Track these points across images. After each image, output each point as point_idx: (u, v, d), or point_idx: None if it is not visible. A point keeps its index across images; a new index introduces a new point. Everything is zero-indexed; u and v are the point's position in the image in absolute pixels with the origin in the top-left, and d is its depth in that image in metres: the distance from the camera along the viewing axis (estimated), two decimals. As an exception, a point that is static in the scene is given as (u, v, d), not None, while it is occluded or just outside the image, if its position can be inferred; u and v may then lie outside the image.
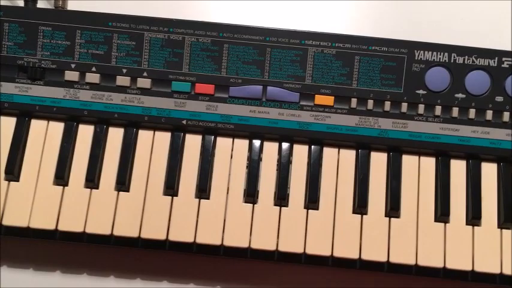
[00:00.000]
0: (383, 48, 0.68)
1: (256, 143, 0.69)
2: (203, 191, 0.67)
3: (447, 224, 0.67)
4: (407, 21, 0.78)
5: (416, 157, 0.69)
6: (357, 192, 0.67)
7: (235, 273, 0.70)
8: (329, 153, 0.69)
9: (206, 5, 0.78)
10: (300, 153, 0.69)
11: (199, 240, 0.66)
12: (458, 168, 0.68)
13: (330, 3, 0.78)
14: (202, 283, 0.70)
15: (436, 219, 0.67)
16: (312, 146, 0.69)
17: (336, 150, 0.69)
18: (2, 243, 0.70)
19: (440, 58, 0.68)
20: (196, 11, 0.78)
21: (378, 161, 0.69)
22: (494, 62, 0.68)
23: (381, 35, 0.68)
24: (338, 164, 0.69)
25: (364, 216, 0.67)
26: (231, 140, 0.69)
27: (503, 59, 0.67)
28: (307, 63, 0.68)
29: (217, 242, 0.66)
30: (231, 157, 0.69)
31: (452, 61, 0.68)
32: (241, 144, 0.69)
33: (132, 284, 0.70)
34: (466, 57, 0.68)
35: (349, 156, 0.69)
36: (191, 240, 0.66)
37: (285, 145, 0.69)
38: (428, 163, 0.68)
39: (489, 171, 0.68)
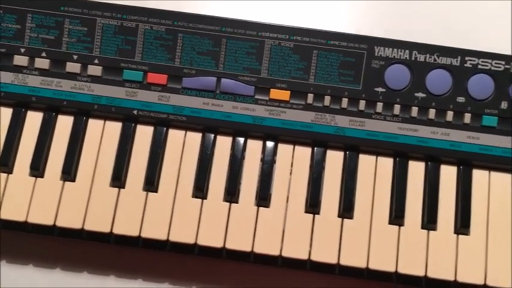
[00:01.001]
0: (342, 43, 0.65)
1: (209, 136, 0.66)
2: (151, 183, 0.64)
3: (401, 227, 0.64)
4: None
5: (374, 157, 0.66)
6: (309, 191, 0.65)
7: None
8: (284, 150, 0.66)
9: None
10: (254, 148, 0.66)
11: (144, 235, 0.63)
12: (416, 170, 0.65)
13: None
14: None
15: (390, 222, 0.64)
16: (267, 142, 0.66)
17: (291, 146, 0.66)
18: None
19: (401, 55, 0.65)
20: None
21: (334, 159, 0.66)
22: (456, 61, 0.65)
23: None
24: (292, 161, 0.66)
25: (316, 215, 0.64)
26: (183, 132, 0.67)
27: (466, 58, 0.64)
28: (264, 56, 0.65)
29: (163, 237, 0.63)
30: (182, 150, 0.66)
31: (413, 59, 0.65)
32: (194, 138, 0.66)
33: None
34: (428, 55, 0.65)
35: (304, 154, 0.66)
36: (136, 234, 0.63)
37: (239, 140, 0.66)
38: (386, 164, 0.65)
39: (448, 175, 0.65)
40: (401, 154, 0.65)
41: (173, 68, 0.66)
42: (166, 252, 0.65)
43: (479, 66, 0.64)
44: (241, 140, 0.66)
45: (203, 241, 0.63)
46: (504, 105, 0.64)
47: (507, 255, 0.63)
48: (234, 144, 0.66)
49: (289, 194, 0.65)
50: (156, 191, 0.65)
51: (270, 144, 0.66)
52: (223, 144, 0.66)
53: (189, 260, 0.67)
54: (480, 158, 0.64)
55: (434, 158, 0.65)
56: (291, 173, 0.65)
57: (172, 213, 0.64)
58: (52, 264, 0.68)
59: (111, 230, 0.63)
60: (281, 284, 0.67)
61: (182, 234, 0.63)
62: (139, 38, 0.66)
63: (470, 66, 0.64)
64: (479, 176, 0.65)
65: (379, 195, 0.65)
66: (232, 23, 0.65)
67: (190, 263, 0.67)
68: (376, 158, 0.66)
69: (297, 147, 0.66)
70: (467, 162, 0.65)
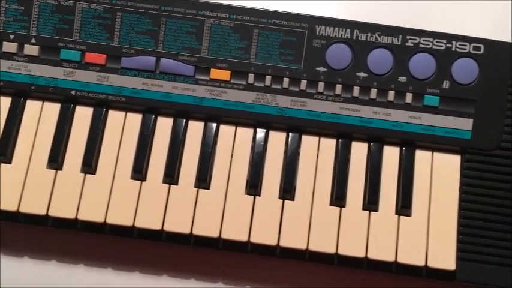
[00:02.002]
0: (283, 22, 0.64)
1: (150, 117, 0.64)
2: (88, 165, 0.63)
3: (343, 209, 0.62)
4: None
5: (317, 138, 0.64)
6: (250, 173, 0.63)
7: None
8: (225, 131, 0.64)
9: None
10: (195, 130, 0.64)
11: (80, 217, 0.62)
12: (359, 151, 0.64)
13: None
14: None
15: (332, 203, 0.63)
16: (208, 123, 0.65)
17: (233, 128, 0.65)
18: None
19: (342, 34, 0.63)
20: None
21: (276, 140, 0.64)
22: (398, 40, 0.63)
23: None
24: (234, 142, 0.64)
25: (256, 197, 0.63)
26: (123, 113, 0.65)
27: (408, 37, 0.63)
28: (204, 35, 0.64)
29: (101, 220, 0.62)
30: (122, 131, 0.65)
31: (354, 38, 0.63)
32: (134, 118, 0.64)
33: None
34: (369, 34, 0.63)
35: (246, 135, 0.64)
36: (73, 216, 0.62)
37: (180, 121, 0.65)
38: (328, 144, 0.64)
39: (391, 155, 0.64)
40: (344, 135, 0.64)
41: (112, 48, 0.64)
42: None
43: (421, 45, 0.63)
44: (183, 121, 0.65)
45: (140, 223, 0.62)
46: (446, 84, 0.63)
47: (451, 236, 0.62)
48: (174, 125, 0.64)
49: (230, 175, 0.63)
50: (94, 173, 0.63)
51: (211, 125, 0.64)
52: (164, 125, 0.64)
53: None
54: (422, 138, 0.63)
55: (377, 138, 0.64)
56: (232, 155, 0.64)
57: (110, 196, 0.62)
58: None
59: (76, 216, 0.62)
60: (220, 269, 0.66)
61: (119, 217, 0.62)
62: (77, 17, 0.64)
63: (412, 45, 0.63)
64: (422, 156, 0.64)
65: (321, 176, 0.63)
66: (171, 2, 0.63)
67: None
68: (319, 138, 0.64)
69: (239, 129, 0.64)
70: (409, 143, 0.64)
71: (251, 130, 0.64)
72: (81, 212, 0.62)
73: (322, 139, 0.64)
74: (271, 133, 0.64)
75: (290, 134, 0.64)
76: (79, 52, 0.64)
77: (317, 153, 0.64)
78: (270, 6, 0.65)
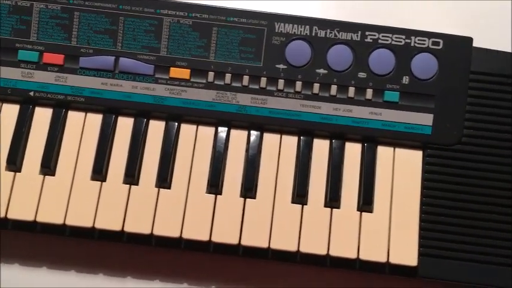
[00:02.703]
0: (242, 20, 0.63)
1: (110, 117, 0.64)
2: (47, 167, 0.62)
3: (304, 206, 0.62)
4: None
5: (278, 135, 0.64)
6: (211, 171, 0.62)
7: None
8: (186, 130, 0.63)
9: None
10: (155, 129, 0.63)
11: (40, 219, 0.61)
12: (320, 148, 0.63)
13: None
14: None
15: (293, 201, 0.62)
16: (169, 122, 0.64)
17: (194, 127, 0.64)
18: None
19: (301, 31, 0.63)
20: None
21: (237, 139, 0.63)
22: (357, 36, 0.63)
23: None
24: (195, 141, 0.64)
25: (218, 196, 0.62)
26: (83, 114, 0.64)
27: (367, 33, 0.62)
28: (163, 34, 0.63)
29: (60, 221, 0.61)
30: (82, 132, 0.64)
31: (313, 34, 0.63)
32: (94, 119, 0.64)
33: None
34: (328, 30, 0.63)
35: (206, 134, 0.63)
36: (31, 219, 0.61)
37: (141, 120, 0.64)
38: (290, 142, 0.64)
39: (353, 152, 0.63)
40: (305, 132, 0.63)
41: (70, 48, 0.63)
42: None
43: (380, 41, 0.63)
44: (143, 120, 0.64)
45: (100, 224, 0.61)
46: (406, 80, 0.63)
47: (413, 232, 0.61)
48: (135, 125, 0.64)
49: (191, 175, 0.63)
50: (53, 175, 0.62)
51: (172, 124, 0.64)
52: (124, 125, 0.64)
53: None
54: (383, 134, 0.62)
55: (338, 135, 0.63)
56: (193, 154, 0.63)
57: (70, 197, 0.61)
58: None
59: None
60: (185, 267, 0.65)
61: (79, 219, 0.61)
62: (35, 18, 0.63)
63: (371, 41, 0.63)
64: (383, 152, 0.63)
65: (282, 174, 0.63)
66: (129, 1, 0.63)
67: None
68: (281, 136, 0.64)
69: (200, 127, 0.64)
70: (371, 139, 0.63)
71: (212, 129, 0.64)
72: (40, 214, 0.61)
73: (283, 136, 0.64)
74: (233, 131, 0.64)
75: (251, 132, 0.64)
76: (37, 53, 0.63)
77: (279, 151, 0.64)
78: (232, 4, 0.64)
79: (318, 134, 0.64)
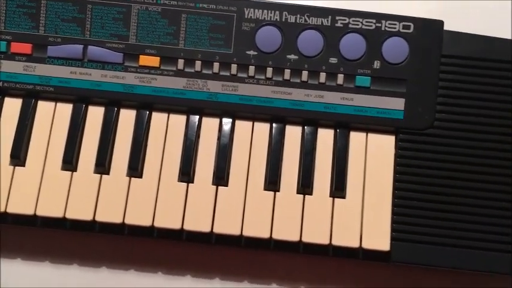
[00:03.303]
0: (211, 6, 0.62)
1: (80, 106, 0.63)
2: (17, 158, 0.61)
3: (277, 193, 0.61)
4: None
5: (250, 122, 0.63)
6: (182, 159, 0.62)
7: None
8: (157, 119, 0.63)
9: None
10: (126, 118, 0.63)
11: (10, 210, 0.60)
12: (292, 135, 0.63)
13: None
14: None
15: (266, 188, 0.62)
16: (140, 111, 0.63)
17: (166, 115, 0.63)
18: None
19: (271, 17, 0.62)
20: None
21: (209, 126, 0.63)
22: (327, 21, 0.62)
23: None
24: (166, 130, 0.63)
25: (190, 185, 0.61)
26: (53, 103, 0.63)
27: (337, 17, 0.62)
28: (131, 22, 0.62)
29: (31, 212, 0.60)
30: (52, 122, 0.63)
31: (283, 20, 0.62)
32: (64, 109, 0.63)
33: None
34: (298, 15, 0.62)
35: (178, 122, 0.63)
36: (2, 210, 0.60)
37: (111, 109, 0.63)
38: (262, 129, 0.63)
39: (325, 138, 0.63)
40: (277, 119, 0.63)
41: (38, 37, 0.62)
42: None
43: (350, 26, 0.62)
44: (114, 109, 0.63)
45: (71, 214, 0.61)
46: (377, 64, 0.62)
47: (385, 217, 0.61)
48: (105, 114, 0.63)
49: (163, 163, 0.62)
50: (23, 165, 0.62)
51: (143, 113, 0.63)
52: (94, 114, 0.63)
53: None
54: (355, 120, 0.62)
55: (310, 121, 0.63)
56: (165, 142, 0.63)
57: (40, 188, 0.61)
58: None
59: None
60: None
61: (50, 209, 0.60)
62: (1, 7, 0.62)
63: (341, 25, 0.62)
64: (356, 138, 0.63)
65: (255, 161, 0.62)
66: (96, -12, 0.62)
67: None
68: (253, 123, 0.63)
69: (171, 115, 0.63)
70: (343, 125, 0.62)
71: (183, 117, 0.63)
72: (11, 205, 0.60)
73: (255, 123, 0.63)
74: (204, 119, 0.63)
75: (223, 119, 0.63)
76: (4, 42, 0.62)
77: (251, 138, 0.63)
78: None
79: (290, 121, 0.63)
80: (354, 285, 0.65)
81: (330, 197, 0.62)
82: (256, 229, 0.61)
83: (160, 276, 0.64)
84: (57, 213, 0.60)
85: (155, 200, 0.61)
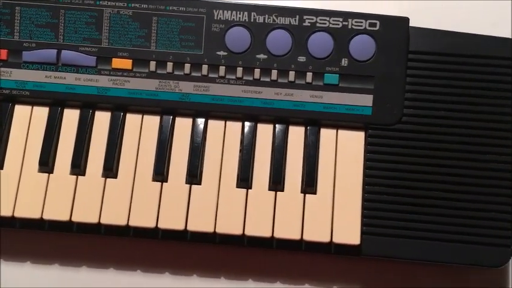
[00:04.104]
0: (181, 8, 0.63)
1: (56, 110, 0.64)
2: (-6, 161, 0.63)
3: (249, 190, 0.62)
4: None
5: (222, 122, 0.64)
6: (156, 159, 0.63)
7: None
8: (132, 120, 0.64)
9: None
10: (101, 120, 0.64)
11: None
12: (264, 133, 0.64)
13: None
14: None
15: (238, 186, 0.63)
16: (114, 113, 0.64)
17: (140, 116, 0.64)
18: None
19: (240, 17, 0.63)
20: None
21: (182, 126, 0.64)
22: (295, 20, 0.63)
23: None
24: (141, 131, 0.64)
25: (164, 184, 0.63)
26: (29, 107, 0.65)
27: (305, 17, 0.63)
28: (103, 25, 0.63)
29: (9, 214, 0.62)
30: (29, 126, 0.64)
31: (252, 20, 0.63)
32: (40, 112, 0.64)
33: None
34: (267, 16, 0.63)
35: (152, 123, 0.64)
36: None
37: (86, 111, 0.64)
38: (234, 128, 0.64)
39: (296, 135, 0.64)
40: (248, 117, 0.64)
41: (13, 43, 0.63)
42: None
43: (318, 25, 0.63)
44: (89, 111, 0.64)
45: (48, 215, 0.62)
46: (344, 62, 0.63)
47: (356, 211, 0.62)
48: (81, 116, 0.64)
49: (137, 163, 0.63)
50: (1, 168, 0.63)
51: (117, 114, 0.64)
52: (70, 117, 0.64)
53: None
54: (325, 117, 0.63)
55: (281, 119, 0.64)
56: (139, 143, 0.64)
57: (18, 190, 0.62)
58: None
59: None
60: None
61: (27, 210, 0.62)
62: (-24, 14, 0.64)
63: (309, 24, 0.63)
64: (326, 134, 0.63)
65: (227, 160, 0.63)
66: (68, -6, 0.64)
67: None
68: (225, 122, 0.65)
69: (145, 116, 0.64)
70: (313, 122, 0.64)
71: (157, 117, 0.64)
72: None
73: (227, 122, 0.64)
74: (177, 119, 0.64)
75: (196, 119, 0.64)
76: (-20, 49, 0.64)
77: (223, 137, 0.64)
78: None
79: (262, 119, 0.64)
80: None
81: (301, 193, 0.63)
82: (230, 226, 0.62)
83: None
84: (34, 214, 0.62)
85: (130, 199, 0.62)
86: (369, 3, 0.70)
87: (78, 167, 0.63)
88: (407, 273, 0.65)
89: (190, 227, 0.62)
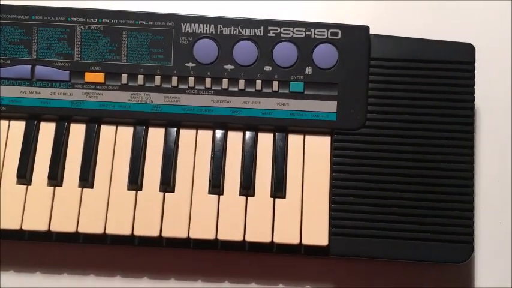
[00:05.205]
0: (150, 22, 0.65)
1: (32, 123, 0.66)
2: (-26, 174, 0.65)
3: (221, 196, 0.65)
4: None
5: (194, 131, 0.67)
6: (131, 168, 0.65)
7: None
8: (106, 131, 0.66)
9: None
10: (76, 132, 0.66)
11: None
12: (234, 140, 0.66)
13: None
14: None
15: (210, 192, 0.65)
16: (89, 125, 0.66)
17: (114, 127, 0.66)
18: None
19: (206, 30, 0.66)
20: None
21: (155, 136, 0.66)
22: (260, 31, 0.65)
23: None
24: (115, 141, 0.66)
25: (138, 192, 0.65)
26: (6, 122, 0.67)
27: (269, 28, 0.65)
28: (75, 41, 0.66)
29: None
30: (6, 140, 0.66)
31: (219, 32, 0.65)
32: (17, 126, 0.66)
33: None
34: (232, 27, 0.65)
35: (125, 134, 0.66)
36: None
37: (61, 124, 0.66)
38: (205, 136, 0.66)
39: (265, 142, 0.66)
40: (218, 125, 0.66)
41: (-12, 60, 0.66)
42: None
43: (282, 35, 0.65)
44: (64, 124, 0.66)
45: (27, 226, 0.64)
46: (309, 70, 0.65)
47: (323, 213, 0.64)
48: (57, 129, 0.66)
49: (112, 173, 0.65)
50: (-16, 181, 0.65)
51: (92, 126, 0.66)
52: (46, 131, 0.66)
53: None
54: (292, 123, 0.65)
55: (249, 126, 0.66)
56: (113, 153, 0.66)
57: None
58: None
59: None
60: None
61: (6, 222, 0.64)
62: (-48, 33, 0.66)
63: (273, 35, 0.65)
64: (294, 140, 0.66)
65: (199, 167, 0.66)
66: (39, 11, 0.65)
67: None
68: (196, 131, 0.67)
69: (119, 127, 0.66)
70: (281, 129, 0.66)
71: (130, 128, 0.66)
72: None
73: (199, 131, 0.67)
74: (150, 129, 0.66)
75: (168, 129, 0.66)
76: (-44, 67, 0.66)
77: (195, 145, 0.67)
78: (147, 7, 0.67)
79: (231, 127, 0.66)
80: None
81: (271, 197, 0.65)
82: (203, 231, 0.64)
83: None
84: (14, 225, 0.64)
85: (106, 208, 0.65)
86: (334, 13, 0.73)
87: (55, 178, 0.65)
88: (375, 271, 0.68)
89: (165, 233, 0.64)
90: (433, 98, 0.66)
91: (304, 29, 0.65)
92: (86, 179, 0.65)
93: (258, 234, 0.64)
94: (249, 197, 0.65)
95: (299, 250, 0.65)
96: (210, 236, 0.64)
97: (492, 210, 0.69)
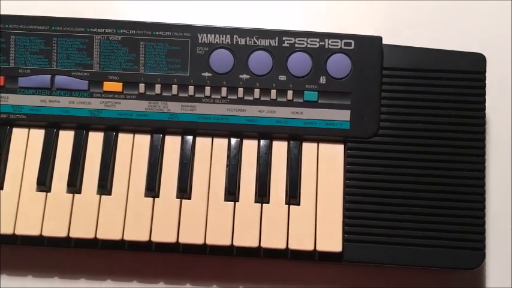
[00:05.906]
0: (167, 33, 0.67)
1: (51, 132, 0.68)
2: (-4, 183, 0.67)
3: (236, 203, 0.66)
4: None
5: (209, 139, 0.68)
6: (148, 175, 0.67)
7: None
8: (124, 139, 0.68)
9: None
10: (95, 140, 0.68)
11: None
12: (249, 148, 0.67)
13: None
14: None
15: (226, 199, 0.66)
16: (107, 133, 0.68)
17: (131, 135, 0.68)
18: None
19: (222, 40, 0.67)
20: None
21: (171, 144, 0.67)
22: (275, 41, 0.67)
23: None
24: (132, 149, 0.68)
25: (156, 199, 0.66)
26: (26, 130, 0.68)
27: (284, 38, 0.66)
28: (94, 51, 0.67)
29: (10, 232, 0.66)
30: (26, 147, 0.68)
31: (234, 43, 0.67)
32: (36, 134, 0.68)
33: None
34: (248, 38, 0.67)
35: (143, 141, 0.68)
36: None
37: (80, 132, 0.68)
38: (220, 144, 0.68)
39: (280, 150, 0.67)
40: (234, 134, 0.68)
41: (9, 69, 0.67)
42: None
43: (296, 45, 0.67)
44: (83, 132, 0.68)
45: (47, 232, 0.66)
46: (323, 80, 0.67)
47: (337, 220, 0.66)
48: (75, 137, 0.68)
49: (130, 181, 0.67)
50: (1, 188, 0.67)
51: (110, 134, 0.68)
52: (65, 139, 0.68)
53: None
54: (306, 132, 0.66)
55: (264, 134, 0.67)
56: (131, 161, 0.68)
57: (18, 208, 0.66)
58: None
59: None
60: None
61: (27, 228, 0.66)
62: (-27, 43, 0.67)
63: (288, 45, 0.67)
64: (308, 148, 0.67)
65: (215, 174, 0.67)
66: (60, 21, 0.67)
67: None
68: (212, 139, 0.68)
69: (136, 136, 0.68)
70: (295, 137, 0.67)
71: (148, 136, 0.68)
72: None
73: (214, 139, 0.68)
74: (167, 138, 0.68)
75: (184, 137, 0.68)
76: (-22, 76, 0.67)
77: (211, 153, 0.68)
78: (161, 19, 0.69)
79: (246, 135, 0.68)
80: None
81: (285, 204, 0.66)
82: (219, 237, 0.65)
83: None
84: (34, 231, 0.65)
85: (124, 215, 0.66)
86: (346, 24, 0.74)
87: (74, 185, 0.66)
88: (387, 277, 0.69)
89: (181, 240, 0.65)
90: (445, 107, 0.67)
91: (318, 39, 0.66)
92: (104, 186, 0.66)
93: (273, 240, 0.65)
94: (264, 204, 0.66)
95: (313, 256, 0.66)
96: (226, 242, 0.65)
97: (503, 217, 0.71)
